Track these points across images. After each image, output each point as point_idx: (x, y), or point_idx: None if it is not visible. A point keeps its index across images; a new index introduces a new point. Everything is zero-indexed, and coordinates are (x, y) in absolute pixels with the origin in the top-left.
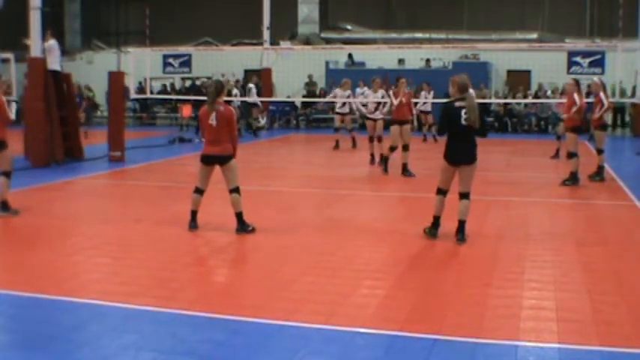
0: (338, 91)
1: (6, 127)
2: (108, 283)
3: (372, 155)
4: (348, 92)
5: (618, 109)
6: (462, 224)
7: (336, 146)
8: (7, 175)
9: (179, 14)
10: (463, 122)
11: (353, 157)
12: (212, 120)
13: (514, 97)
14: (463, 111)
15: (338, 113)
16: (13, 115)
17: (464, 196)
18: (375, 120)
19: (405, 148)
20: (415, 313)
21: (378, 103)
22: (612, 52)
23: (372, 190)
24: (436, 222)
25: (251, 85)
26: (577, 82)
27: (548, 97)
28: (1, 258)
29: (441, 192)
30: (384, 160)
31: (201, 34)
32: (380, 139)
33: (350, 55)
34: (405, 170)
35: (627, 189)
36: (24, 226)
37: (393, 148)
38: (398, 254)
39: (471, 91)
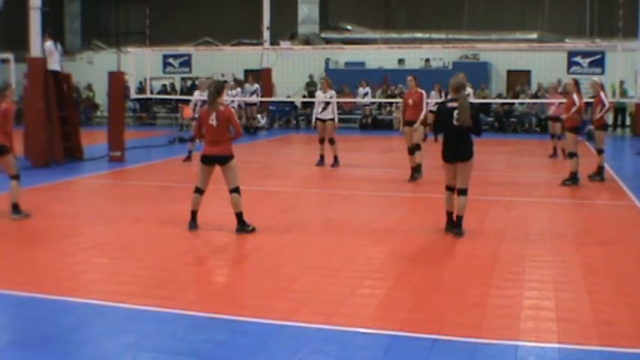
0: (196, 93)
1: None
2: (108, 283)
3: (322, 156)
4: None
5: (619, 110)
6: (459, 219)
7: (188, 158)
8: (16, 178)
9: (179, 14)
10: (454, 122)
11: (353, 158)
12: (212, 120)
13: (515, 97)
14: (455, 111)
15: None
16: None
17: (461, 192)
18: (324, 121)
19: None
20: (415, 313)
21: (327, 104)
22: (612, 52)
23: (372, 190)
24: (449, 217)
25: (257, 86)
26: (576, 83)
27: (546, 97)
28: (2, 258)
29: (448, 188)
30: (417, 168)
31: (201, 34)
32: (331, 142)
33: (327, 60)
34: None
35: (627, 189)
36: (24, 226)
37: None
38: (398, 254)
39: (469, 90)
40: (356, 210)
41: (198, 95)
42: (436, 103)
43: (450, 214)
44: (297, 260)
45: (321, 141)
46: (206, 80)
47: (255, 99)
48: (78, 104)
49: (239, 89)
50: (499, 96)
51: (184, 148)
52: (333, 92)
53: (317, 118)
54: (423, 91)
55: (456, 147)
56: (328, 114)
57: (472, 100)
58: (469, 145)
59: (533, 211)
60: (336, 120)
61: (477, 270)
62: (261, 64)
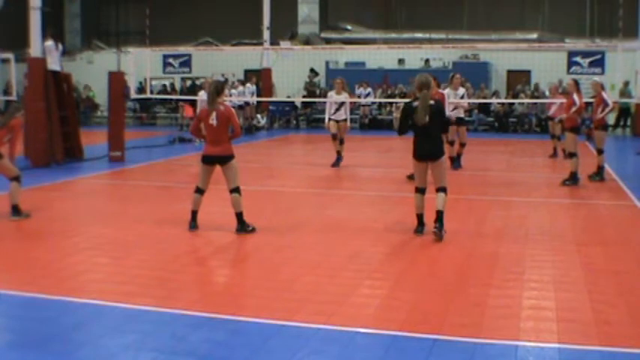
0: (201, 93)
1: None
2: (108, 283)
3: (339, 152)
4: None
5: (623, 110)
6: (439, 214)
7: None
8: (16, 180)
9: (179, 14)
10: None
11: (353, 158)
12: (212, 120)
13: (515, 97)
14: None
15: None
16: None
17: (440, 190)
18: (337, 121)
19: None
20: (415, 313)
21: (341, 104)
22: (612, 52)
23: (372, 190)
24: (419, 220)
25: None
26: (576, 83)
27: (546, 97)
28: (2, 258)
29: (419, 190)
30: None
31: (201, 34)
32: (342, 141)
33: (312, 70)
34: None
35: (627, 189)
36: (24, 226)
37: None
38: (398, 254)
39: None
40: (356, 210)
41: (204, 95)
42: (404, 103)
43: (420, 217)
44: (297, 260)
45: (335, 137)
46: (209, 79)
47: (251, 99)
48: (78, 104)
49: (241, 89)
50: (495, 94)
51: (184, 148)
52: (346, 94)
53: (330, 119)
54: (445, 92)
55: (427, 145)
56: (342, 115)
57: (466, 99)
58: (439, 143)
59: (533, 211)
60: (348, 121)
61: (477, 270)
62: (261, 64)
